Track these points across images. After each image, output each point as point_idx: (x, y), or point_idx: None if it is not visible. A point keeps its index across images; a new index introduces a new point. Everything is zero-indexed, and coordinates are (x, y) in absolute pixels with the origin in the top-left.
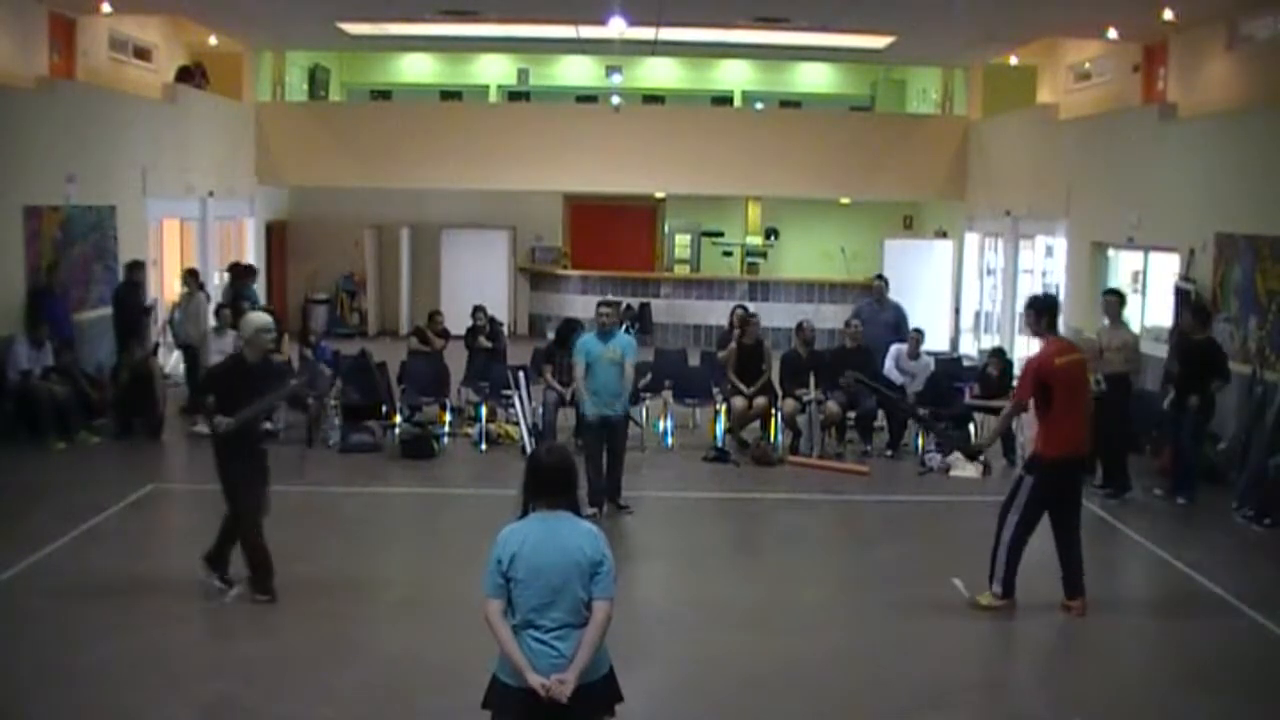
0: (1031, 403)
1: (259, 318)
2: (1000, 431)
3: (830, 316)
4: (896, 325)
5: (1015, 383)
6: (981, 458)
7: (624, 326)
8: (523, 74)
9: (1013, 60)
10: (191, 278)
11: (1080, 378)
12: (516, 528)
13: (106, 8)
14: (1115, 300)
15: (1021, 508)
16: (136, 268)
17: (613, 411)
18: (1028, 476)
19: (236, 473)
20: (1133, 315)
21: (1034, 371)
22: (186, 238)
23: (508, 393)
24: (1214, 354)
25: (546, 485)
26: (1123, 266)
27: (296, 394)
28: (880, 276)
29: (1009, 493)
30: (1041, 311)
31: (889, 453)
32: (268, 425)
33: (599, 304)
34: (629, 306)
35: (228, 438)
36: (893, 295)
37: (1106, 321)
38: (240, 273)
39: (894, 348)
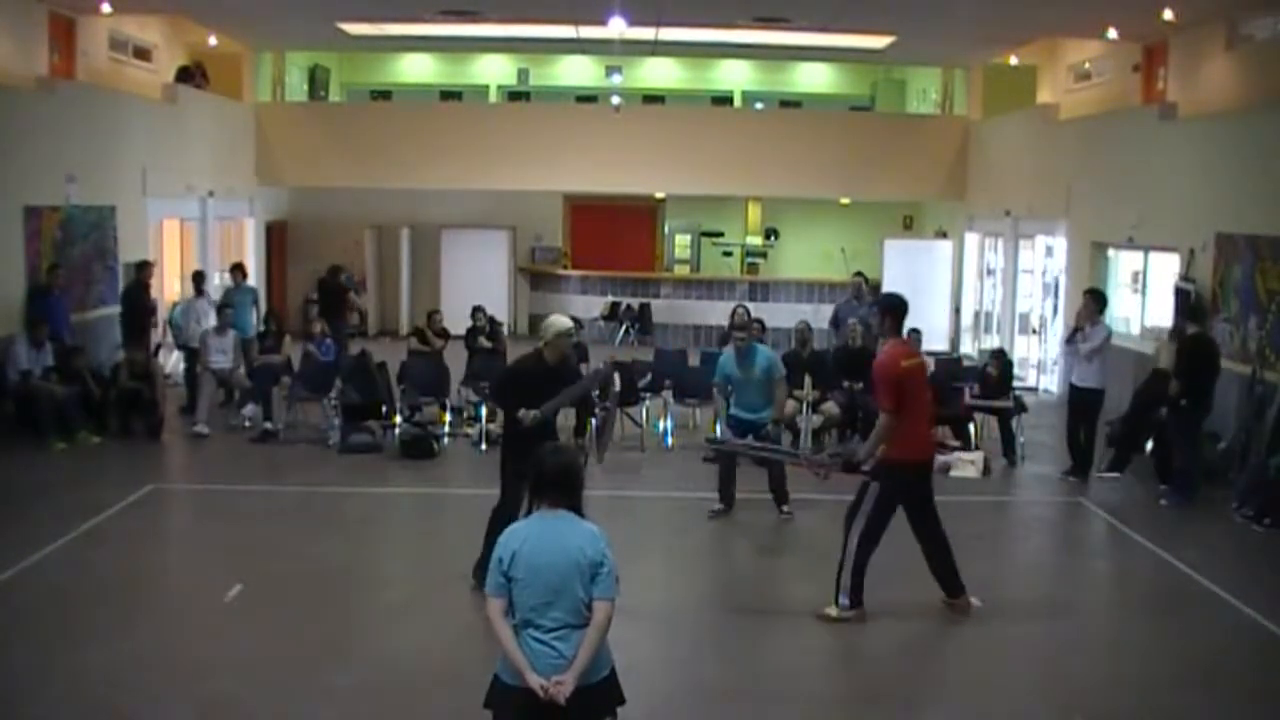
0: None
1: (561, 321)
2: (876, 446)
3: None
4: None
5: (875, 394)
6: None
7: (624, 327)
8: (523, 74)
9: (1013, 60)
10: (199, 279)
11: (923, 381)
12: (518, 527)
13: (106, 8)
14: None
15: (868, 515)
16: (145, 267)
17: (759, 416)
18: (874, 483)
19: (520, 471)
20: (1133, 315)
21: (888, 376)
22: (186, 238)
23: None
24: (1197, 351)
25: (549, 485)
26: (1123, 266)
27: (588, 391)
28: (859, 273)
29: (854, 500)
30: (887, 311)
31: None
32: (274, 425)
33: (732, 325)
34: (629, 306)
35: (520, 434)
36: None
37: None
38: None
39: None
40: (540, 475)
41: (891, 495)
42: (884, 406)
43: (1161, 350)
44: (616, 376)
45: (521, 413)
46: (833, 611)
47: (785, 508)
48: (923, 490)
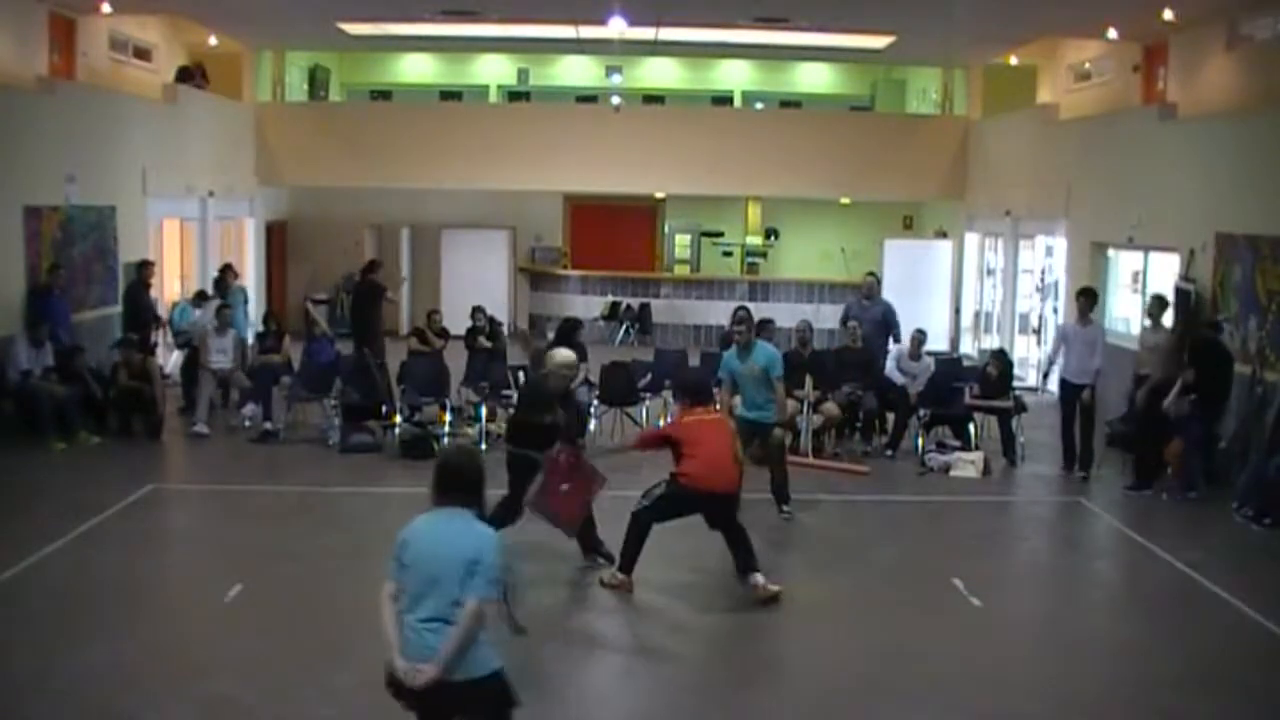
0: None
1: (565, 355)
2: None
3: (830, 317)
4: (885, 322)
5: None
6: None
7: (624, 327)
8: (523, 74)
9: (1013, 60)
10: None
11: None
12: (419, 518)
13: (106, 8)
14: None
15: (653, 500)
16: (145, 267)
17: (762, 419)
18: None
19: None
20: (1132, 315)
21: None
22: (186, 238)
23: (507, 393)
24: (1207, 349)
25: (449, 483)
26: (1123, 266)
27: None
28: (871, 273)
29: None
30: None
31: (889, 453)
32: (274, 425)
33: (734, 321)
34: (629, 306)
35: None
36: (891, 295)
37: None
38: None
39: (894, 348)
40: (442, 473)
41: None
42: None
43: (1143, 353)
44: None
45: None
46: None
47: (785, 508)
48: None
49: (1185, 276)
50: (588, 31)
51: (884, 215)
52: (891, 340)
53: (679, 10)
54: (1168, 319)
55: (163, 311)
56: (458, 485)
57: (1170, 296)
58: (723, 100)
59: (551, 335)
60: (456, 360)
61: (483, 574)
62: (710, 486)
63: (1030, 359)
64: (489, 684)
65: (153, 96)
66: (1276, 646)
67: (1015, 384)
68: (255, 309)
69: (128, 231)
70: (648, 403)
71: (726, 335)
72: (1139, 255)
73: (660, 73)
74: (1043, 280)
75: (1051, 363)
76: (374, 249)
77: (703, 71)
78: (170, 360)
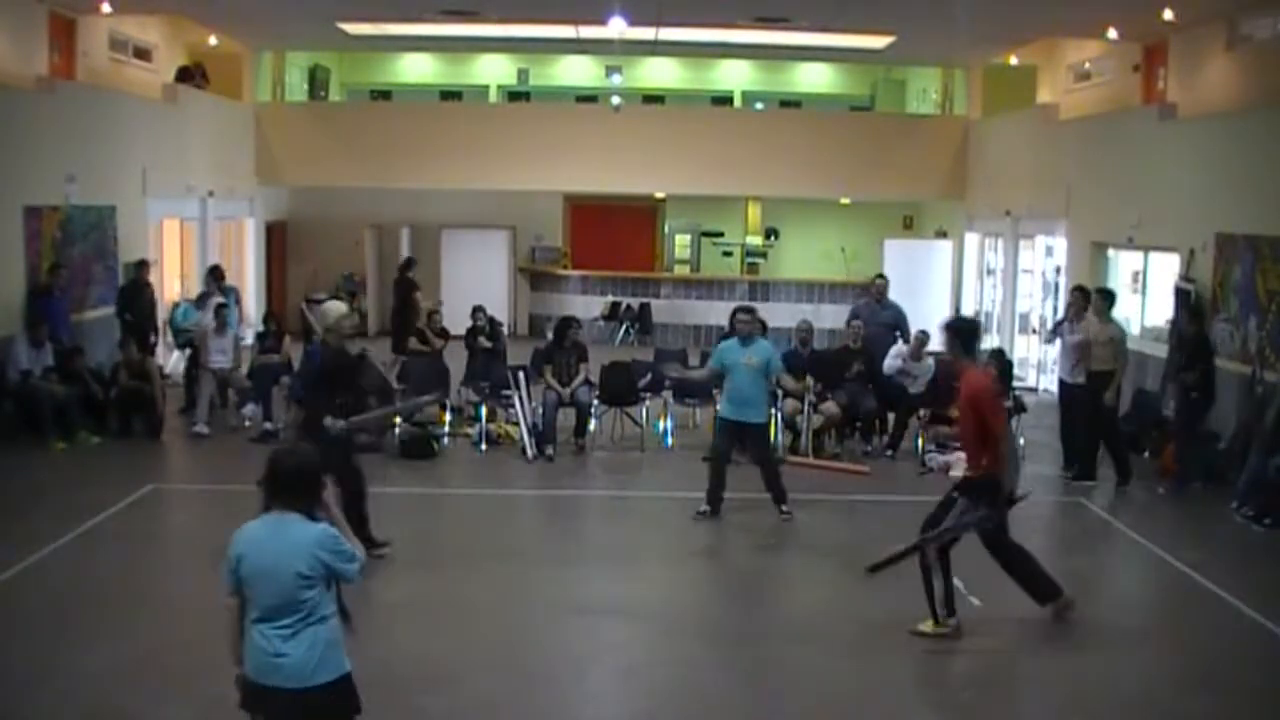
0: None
1: (336, 306)
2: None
3: (830, 316)
4: (896, 325)
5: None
6: None
7: (624, 327)
8: (523, 74)
9: (1013, 60)
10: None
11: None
12: (247, 528)
13: (106, 8)
14: (1101, 297)
15: (949, 527)
16: (142, 266)
17: (748, 419)
18: (962, 499)
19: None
20: (1133, 315)
21: (992, 396)
22: (186, 238)
23: (508, 393)
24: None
25: (283, 487)
26: (1123, 266)
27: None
28: (881, 276)
29: (933, 512)
30: (957, 335)
31: (889, 453)
32: (274, 425)
33: (737, 310)
34: (629, 307)
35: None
36: (893, 295)
37: (1093, 317)
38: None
39: (895, 347)
40: (275, 476)
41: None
42: (998, 430)
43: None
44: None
45: (328, 421)
46: (927, 627)
47: (785, 508)
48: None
49: (1185, 276)
50: (588, 31)
51: (884, 215)
52: (901, 342)
53: (679, 10)
54: (1116, 312)
55: (163, 311)
56: (298, 489)
57: (1111, 293)
58: (723, 100)
59: (550, 335)
60: (456, 360)
61: (345, 569)
62: None
63: (1030, 359)
64: (339, 688)
65: (153, 96)
66: (1276, 646)
67: (1015, 384)
68: (255, 309)
69: (128, 231)
70: (648, 403)
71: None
72: (1139, 255)
73: (660, 73)
74: (1045, 278)
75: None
76: (374, 249)
77: (703, 71)
78: (170, 360)
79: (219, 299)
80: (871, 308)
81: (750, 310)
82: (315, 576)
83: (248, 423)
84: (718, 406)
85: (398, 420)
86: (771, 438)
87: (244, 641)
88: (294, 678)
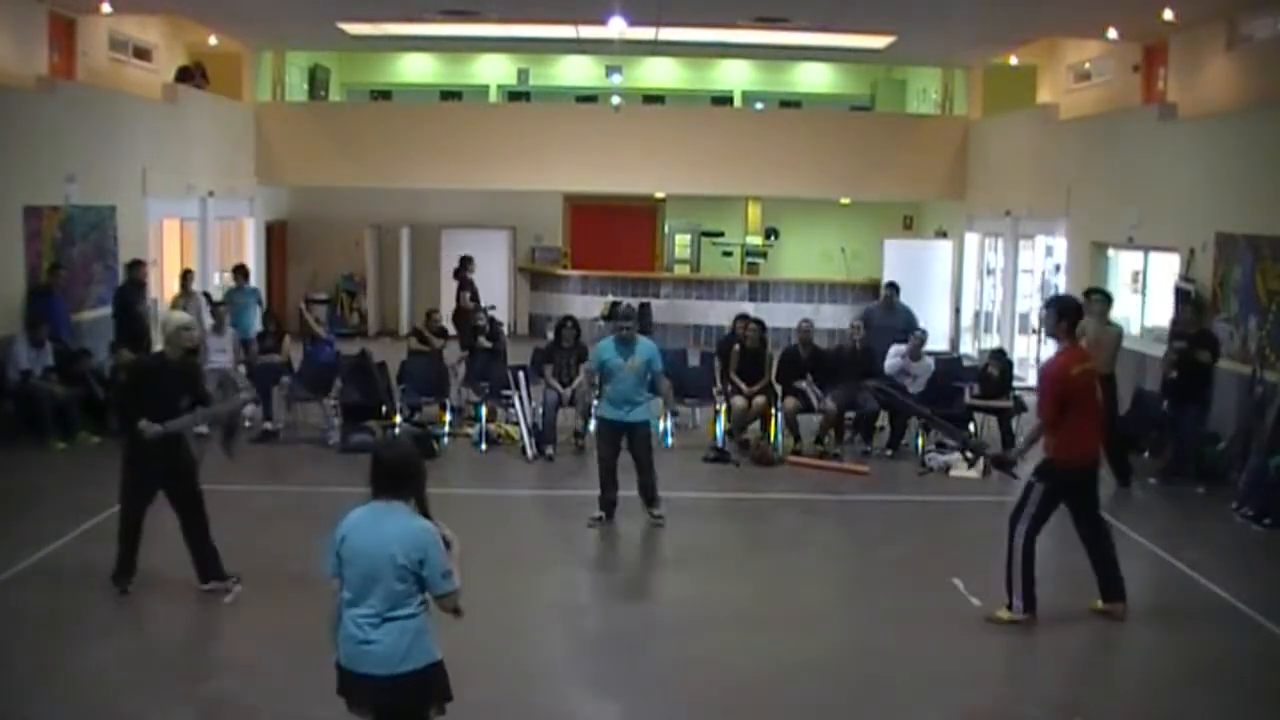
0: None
1: (180, 316)
2: (1029, 447)
3: (830, 316)
4: (907, 331)
5: (1037, 396)
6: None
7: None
8: (523, 74)
9: (1013, 60)
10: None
11: (1092, 386)
12: (355, 512)
13: (106, 8)
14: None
15: (1030, 516)
16: (137, 266)
17: (631, 418)
18: (1038, 483)
19: (138, 483)
20: (1133, 315)
21: (1054, 383)
22: (186, 238)
23: (508, 393)
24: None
25: (383, 478)
26: (1123, 266)
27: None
28: (891, 285)
29: (1018, 501)
30: (1061, 315)
31: (889, 453)
32: (274, 425)
33: (617, 319)
34: (629, 306)
35: (141, 444)
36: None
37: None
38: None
39: (895, 346)
40: (376, 468)
41: (1055, 498)
42: (1042, 414)
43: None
44: (244, 397)
45: (143, 424)
46: (1004, 615)
47: (656, 511)
48: (1087, 495)
49: (1185, 276)
50: (588, 31)
51: (884, 215)
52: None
53: (679, 10)
54: (1113, 314)
55: (161, 312)
56: (397, 481)
57: (1108, 295)
58: (723, 100)
59: (550, 335)
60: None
61: (431, 572)
62: None
63: (1030, 359)
64: (429, 675)
65: (153, 96)
66: (1276, 646)
67: (1015, 384)
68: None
69: (128, 231)
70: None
71: (725, 341)
72: (1139, 255)
73: (660, 73)
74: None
75: None
76: (374, 249)
77: (703, 71)
78: None
79: (204, 300)
80: (880, 313)
81: (630, 317)
82: (409, 568)
83: (248, 423)
84: (595, 408)
85: (397, 420)
86: (773, 437)
87: (338, 630)
88: (384, 664)
